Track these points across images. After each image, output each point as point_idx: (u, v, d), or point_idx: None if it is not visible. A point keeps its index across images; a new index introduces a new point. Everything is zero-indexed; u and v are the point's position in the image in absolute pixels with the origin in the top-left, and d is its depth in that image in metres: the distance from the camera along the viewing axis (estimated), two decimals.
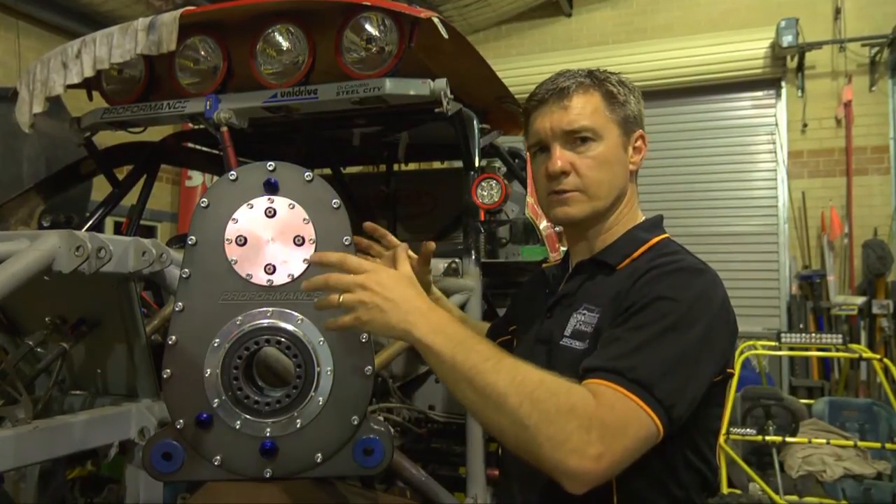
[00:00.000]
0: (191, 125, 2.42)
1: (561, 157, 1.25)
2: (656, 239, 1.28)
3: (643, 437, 1.00)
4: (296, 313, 1.17)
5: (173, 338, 1.16)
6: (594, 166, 1.25)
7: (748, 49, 6.72)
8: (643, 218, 1.35)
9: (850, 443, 4.10)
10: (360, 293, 1.06)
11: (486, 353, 1.03)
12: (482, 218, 2.14)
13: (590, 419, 0.96)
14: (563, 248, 1.49)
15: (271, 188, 1.20)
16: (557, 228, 2.29)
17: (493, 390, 0.99)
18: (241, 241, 1.18)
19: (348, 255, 1.12)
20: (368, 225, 1.43)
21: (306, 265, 1.18)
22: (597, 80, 1.29)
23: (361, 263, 1.10)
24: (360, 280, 1.07)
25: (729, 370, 1.19)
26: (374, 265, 1.12)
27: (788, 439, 4.07)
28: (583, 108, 1.26)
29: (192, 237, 1.19)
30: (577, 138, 1.26)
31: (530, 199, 2.39)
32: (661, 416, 1.01)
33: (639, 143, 1.33)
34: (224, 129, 2.09)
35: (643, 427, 1.00)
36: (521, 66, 6.59)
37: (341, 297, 1.08)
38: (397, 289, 1.08)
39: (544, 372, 1.02)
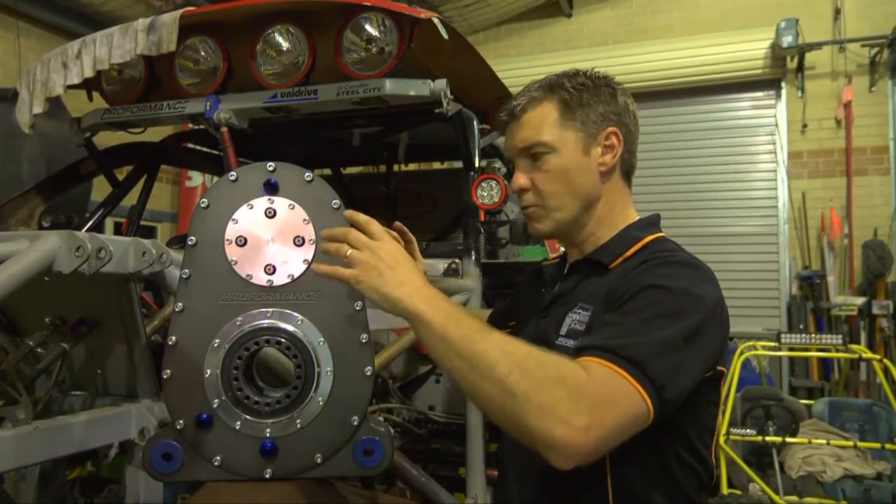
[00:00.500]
0: (191, 125, 2.43)
1: (521, 173, 1.30)
2: (650, 237, 1.27)
3: (632, 415, 0.98)
4: (296, 314, 1.17)
5: (173, 338, 1.16)
6: (549, 179, 1.27)
7: (748, 49, 6.72)
8: (637, 217, 1.34)
9: (850, 443, 4.09)
10: (367, 254, 1.09)
11: (477, 325, 1.03)
12: (482, 218, 2.14)
13: (579, 389, 0.94)
14: (563, 248, 1.49)
15: (271, 188, 1.20)
16: None
17: (483, 359, 0.98)
18: (241, 242, 1.18)
19: (374, 221, 1.15)
20: (398, 225, 1.43)
21: (306, 265, 1.18)
22: (551, 89, 1.29)
23: (381, 232, 1.13)
24: (372, 244, 1.10)
25: (720, 367, 1.18)
26: (389, 237, 1.14)
27: (788, 440, 4.07)
28: (533, 123, 1.28)
29: (192, 237, 1.19)
30: (531, 154, 1.28)
31: None
32: (652, 396, 0.99)
33: (611, 140, 1.28)
34: (224, 129, 2.09)
35: (633, 404, 0.98)
36: (521, 66, 6.59)
37: (349, 252, 1.10)
38: (402, 262, 1.10)
39: (533, 346, 1.02)
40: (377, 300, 1.09)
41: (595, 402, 0.95)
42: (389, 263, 1.08)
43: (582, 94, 1.27)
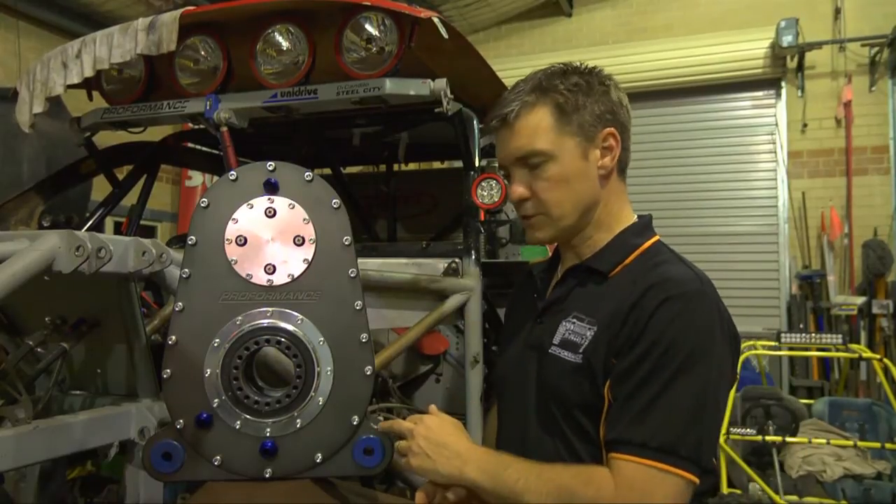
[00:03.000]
0: (191, 125, 2.43)
1: (519, 182, 1.25)
2: (647, 244, 1.26)
3: (674, 494, 1.04)
4: (296, 313, 1.17)
5: (173, 338, 1.16)
6: (550, 188, 1.23)
7: (748, 49, 6.71)
8: (634, 218, 1.31)
9: (850, 443, 4.09)
10: (410, 441, 1.17)
11: (516, 475, 1.09)
12: (482, 218, 2.14)
13: None
14: (553, 250, 1.48)
15: (271, 188, 1.20)
16: None
17: None
18: (241, 241, 1.18)
19: (397, 421, 1.22)
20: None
21: (306, 265, 1.18)
22: (544, 92, 1.23)
23: (417, 416, 1.21)
24: (412, 429, 1.18)
25: (735, 376, 1.21)
26: (423, 416, 1.21)
27: (788, 439, 4.07)
28: (529, 131, 1.22)
29: (192, 237, 1.19)
30: (528, 163, 1.23)
31: None
32: (691, 469, 1.05)
33: (609, 141, 1.24)
34: (224, 129, 2.09)
35: (671, 487, 1.04)
36: (521, 66, 6.54)
37: (397, 443, 1.19)
38: (441, 435, 1.16)
39: (565, 472, 1.09)
40: (435, 479, 1.16)
41: None
42: (433, 441, 1.15)
43: (577, 96, 1.22)
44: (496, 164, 2.81)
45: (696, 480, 1.05)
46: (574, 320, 1.21)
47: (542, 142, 1.21)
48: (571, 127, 1.22)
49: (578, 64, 1.28)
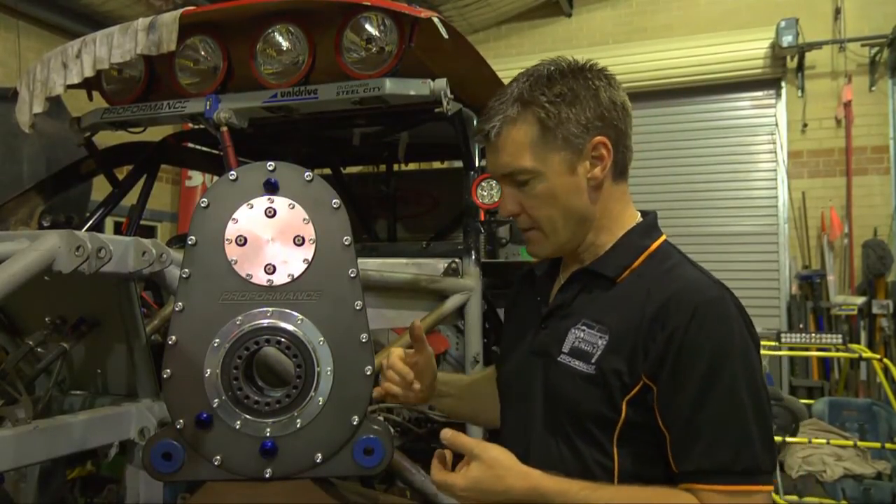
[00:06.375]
0: (191, 125, 2.43)
1: (509, 198, 1.21)
2: (655, 245, 1.21)
3: None
4: (296, 313, 1.17)
5: (173, 338, 1.16)
6: (539, 205, 1.18)
7: (748, 49, 6.71)
8: (638, 217, 1.25)
9: (850, 443, 4.09)
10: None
11: (591, 494, 1.04)
12: (482, 218, 2.14)
13: None
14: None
15: (271, 188, 1.20)
16: None
17: None
18: (241, 241, 1.18)
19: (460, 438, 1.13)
20: (415, 330, 1.32)
21: (306, 265, 1.18)
22: (525, 105, 1.16)
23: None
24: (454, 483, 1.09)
25: None
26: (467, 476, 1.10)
27: (788, 439, 4.07)
28: (513, 148, 1.16)
29: (192, 237, 1.19)
30: (514, 180, 1.18)
31: None
32: (771, 479, 1.05)
33: (599, 151, 1.16)
34: (224, 129, 2.10)
35: (761, 501, 1.03)
36: (521, 66, 6.47)
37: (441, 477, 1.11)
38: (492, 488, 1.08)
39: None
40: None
41: None
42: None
43: (560, 108, 1.14)
44: None
45: (772, 486, 1.05)
46: (584, 328, 1.17)
47: (527, 159, 1.16)
48: (556, 142, 1.15)
49: (568, 62, 1.21)
